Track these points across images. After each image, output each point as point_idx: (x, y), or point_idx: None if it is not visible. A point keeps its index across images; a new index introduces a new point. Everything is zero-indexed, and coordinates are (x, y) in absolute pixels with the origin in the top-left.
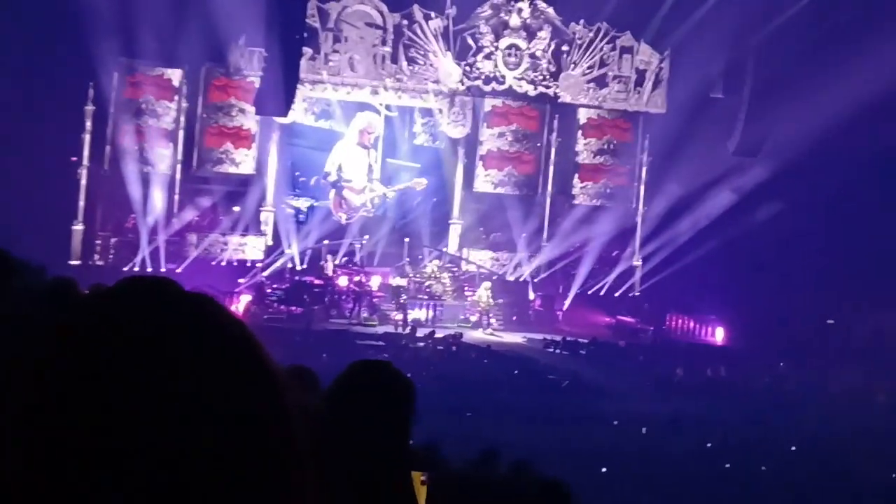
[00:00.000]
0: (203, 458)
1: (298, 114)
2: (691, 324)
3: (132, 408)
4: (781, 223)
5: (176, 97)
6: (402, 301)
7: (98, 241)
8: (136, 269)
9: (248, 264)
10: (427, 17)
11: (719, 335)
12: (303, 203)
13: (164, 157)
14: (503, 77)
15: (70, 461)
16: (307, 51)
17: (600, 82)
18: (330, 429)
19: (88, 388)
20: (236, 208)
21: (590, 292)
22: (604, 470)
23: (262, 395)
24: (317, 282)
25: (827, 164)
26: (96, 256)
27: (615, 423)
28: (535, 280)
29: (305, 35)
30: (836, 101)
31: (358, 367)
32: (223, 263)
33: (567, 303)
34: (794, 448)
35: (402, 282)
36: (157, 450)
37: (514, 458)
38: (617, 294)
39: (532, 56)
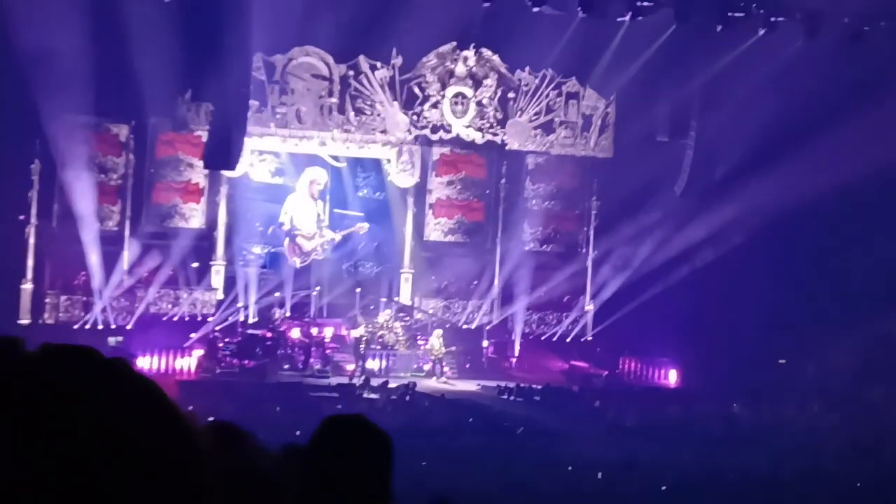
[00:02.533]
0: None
1: (255, 170)
2: (644, 367)
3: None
4: (731, 263)
5: (123, 153)
6: (361, 351)
7: (47, 300)
8: (87, 326)
9: (199, 319)
10: (373, 68)
11: (672, 377)
12: (260, 249)
13: (113, 214)
14: (450, 125)
15: None
16: (254, 103)
17: (547, 128)
18: (309, 485)
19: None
20: (195, 264)
21: (542, 338)
22: None
23: (173, 440)
24: (269, 335)
25: (777, 203)
26: (46, 315)
27: (569, 468)
28: (488, 327)
29: (252, 88)
30: (783, 139)
31: (334, 422)
32: (175, 319)
33: (518, 349)
34: (748, 490)
35: (362, 331)
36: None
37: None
38: (569, 339)
39: (479, 104)
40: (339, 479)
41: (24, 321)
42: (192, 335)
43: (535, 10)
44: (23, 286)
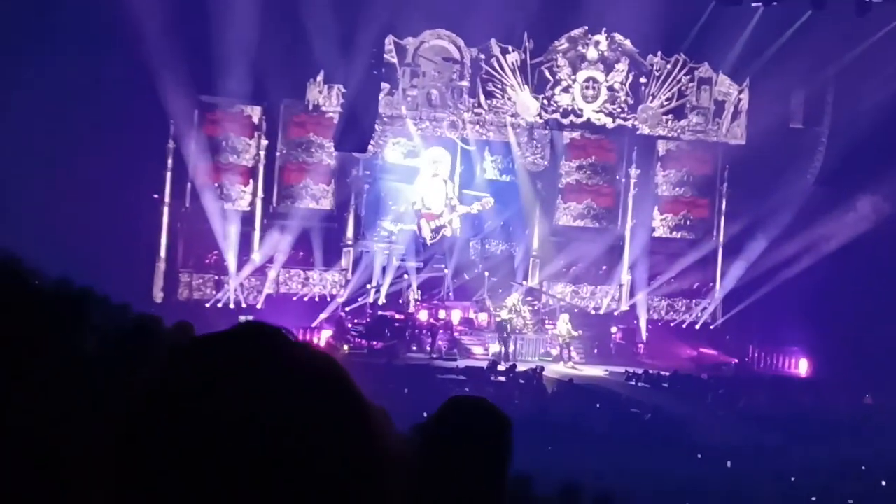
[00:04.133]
0: None
1: (388, 152)
2: (774, 355)
3: (233, 469)
4: (863, 251)
5: (255, 134)
6: (505, 334)
7: (180, 278)
8: (220, 305)
9: (329, 299)
10: (504, 52)
11: (803, 367)
12: (393, 228)
13: (244, 194)
14: (581, 110)
15: None
16: (385, 86)
17: (679, 114)
18: (428, 466)
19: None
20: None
21: (671, 324)
22: None
23: (366, 452)
24: (398, 316)
25: None
26: (179, 293)
27: (699, 455)
28: (616, 313)
29: (383, 70)
30: None
31: (456, 403)
32: (304, 298)
33: (647, 335)
34: (883, 482)
35: (506, 314)
36: None
37: (597, 493)
38: (698, 326)
39: (610, 88)
40: (456, 460)
41: (158, 299)
42: (322, 315)
43: None
44: (157, 265)
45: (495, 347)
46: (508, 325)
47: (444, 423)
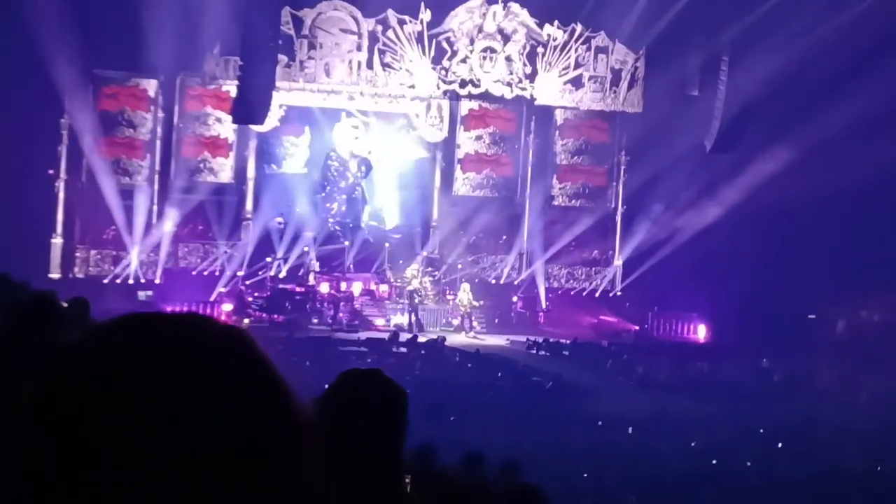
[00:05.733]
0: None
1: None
2: (673, 322)
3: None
4: (759, 219)
5: (152, 107)
6: (414, 305)
7: (77, 254)
8: (118, 280)
9: (228, 273)
10: (402, 23)
11: (701, 332)
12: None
13: (141, 168)
14: (479, 80)
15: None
16: (282, 58)
17: (576, 83)
18: (322, 438)
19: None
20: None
21: (572, 293)
22: (585, 475)
23: (288, 420)
24: (298, 289)
25: (805, 157)
26: (76, 269)
27: (599, 423)
28: (516, 282)
29: (280, 42)
30: (813, 92)
31: (349, 375)
32: (204, 273)
33: (547, 304)
34: (779, 444)
35: (416, 284)
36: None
37: (499, 462)
38: (598, 294)
39: (507, 59)
40: (350, 432)
41: (55, 275)
42: (221, 289)
43: None
44: (53, 241)
45: (397, 318)
46: (416, 296)
47: (337, 396)
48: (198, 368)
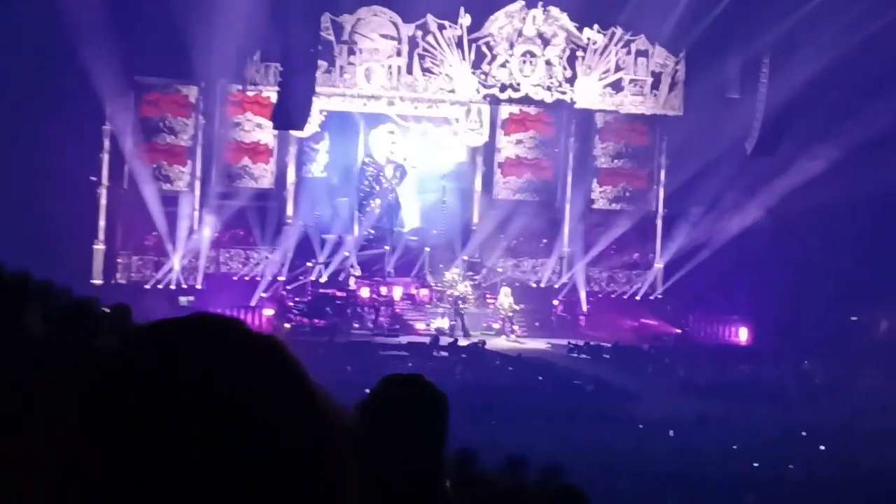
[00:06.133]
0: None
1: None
2: (715, 324)
3: (174, 455)
4: (801, 221)
5: (193, 114)
6: (460, 310)
7: (119, 260)
8: (160, 286)
9: (269, 278)
10: (441, 27)
11: (743, 335)
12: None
13: (182, 174)
14: (519, 84)
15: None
16: (322, 64)
17: (616, 86)
18: (365, 444)
19: (138, 427)
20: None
21: (612, 296)
22: (626, 478)
23: (319, 430)
24: (339, 294)
25: (849, 159)
26: (118, 275)
27: (640, 426)
28: (557, 286)
29: (320, 48)
30: (855, 95)
31: (390, 381)
32: (245, 278)
33: (588, 307)
34: (822, 447)
35: (462, 289)
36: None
37: (541, 465)
38: (639, 297)
39: (547, 62)
40: (391, 437)
41: (97, 281)
42: (263, 294)
43: None
44: (95, 247)
45: (438, 322)
46: (462, 301)
47: (378, 401)
48: (234, 370)
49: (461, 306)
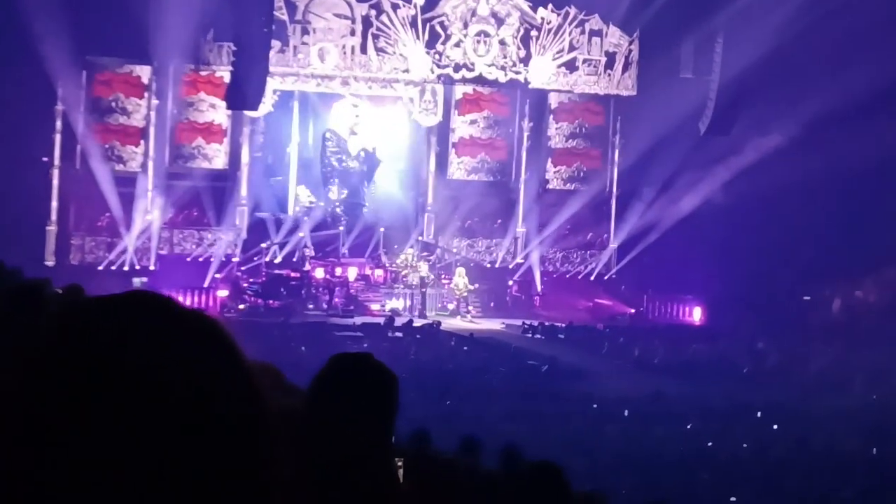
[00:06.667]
0: (186, 468)
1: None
2: (669, 304)
3: (108, 421)
4: (754, 201)
5: (146, 94)
6: (424, 291)
7: (72, 241)
8: (114, 267)
9: (223, 259)
10: (395, 7)
11: (697, 315)
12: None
13: (135, 155)
14: (473, 64)
15: (46, 472)
16: (276, 43)
17: (570, 66)
18: (313, 423)
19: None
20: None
21: (567, 276)
22: (580, 458)
23: (248, 408)
24: (293, 275)
25: (800, 138)
26: (71, 256)
27: (595, 405)
28: (511, 266)
29: (273, 28)
30: (808, 73)
31: (339, 360)
32: (199, 259)
33: (543, 288)
34: (775, 426)
35: (425, 271)
36: (139, 466)
37: (495, 446)
38: (593, 277)
39: (501, 42)
40: (340, 417)
41: (50, 263)
42: (217, 275)
43: None
44: (48, 228)
45: (393, 303)
46: (425, 283)
47: (327, 381)
48: (160, 346)
49: (421, 289)
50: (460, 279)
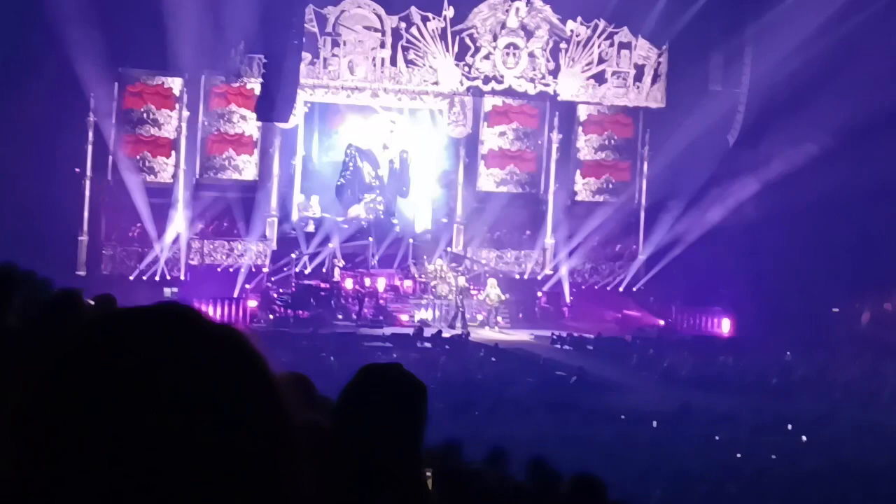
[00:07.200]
0: (209, 480)
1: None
2: (697, 316)
3: (129, 435)
4: (783, 213)
5: (177, 105)
6: (460, 303)
7: (103, 252)
8: (145, 277)
9: (254, 270)
10: (425, 19)
11: (725, 326)
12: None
13: (166, 166)
14: (502, 76)
15: (69, 481)
16: (306, 55)
17: (599, 78)
18: (342, 433)
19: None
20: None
21: (596, 287)
22: (608, 470)
23: (273, 426)
24: (322, 285)
25: (831, 150)
26: (102, 266)
27: (623, 417)
28: (540, 277)
29: (304, 40)
30: (842, 88)
31: (369, 370)
32: (230, 269)
33: (572, 299)
34: (804, 438)
35: (464, 282)
36: (162, 477)
37: (523, 457)
38: (622, 288)
39: (530, 55)
40: (369, 427)
41: (82, 273)
42: (247, 286)
43: None
44: (80, 238)
45: (422, 314)
46: (463, 295)
47: (357, 390)
48: (186, 360)
49: (460, 300)
50: (492, 290)
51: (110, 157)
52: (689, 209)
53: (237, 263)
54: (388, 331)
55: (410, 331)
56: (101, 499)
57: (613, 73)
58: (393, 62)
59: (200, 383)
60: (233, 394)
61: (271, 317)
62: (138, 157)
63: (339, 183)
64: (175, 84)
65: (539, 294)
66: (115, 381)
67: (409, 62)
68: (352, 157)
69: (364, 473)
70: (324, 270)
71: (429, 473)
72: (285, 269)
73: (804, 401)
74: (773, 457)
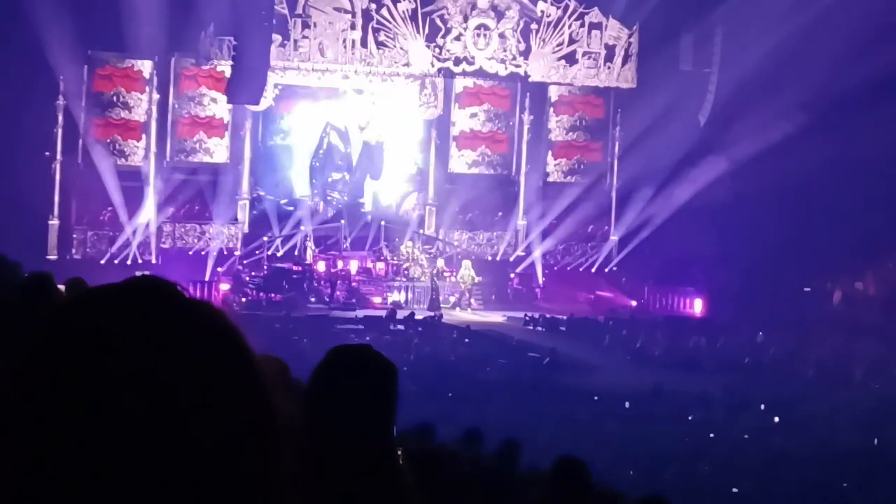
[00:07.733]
0: (191, 465)
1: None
2: (670, 296)
3: (106, 418)
4: (755, 193)
5: (147, 88)
6: (436, 284)
7: (74, 235)
8: (116, 261)
9: (225, 253)
10: (395, 1)
11: (698, 307)
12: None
13: (137, 149)
14: (473, 57)
15: (47, 466)
16: (276, 37)
17: (570, 59)
18: (313, 415)
19: (74, 388)
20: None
21: (568, 268)
22: (582, 450)
23: (256, 409)
24: (295, 268)
25: (799, 132)
26: (73, 250)
27: (595, 397)
28: (512, 259)
29: (274, 22)
30: (807, 66)
31: (338, 352)
32: (201, 253)
33: (544, 280)
34: (776, 418)
35: (441, 265)
36: (139, 461)
37: (496, 437)
38: (594, 269)
39: (501, 36)
40: (339, 408)
41: (52, 257)
42: (219, 269)
43: None
44: (50, 222)
45: (394, 296)
46: (438, 278)
47: (327, 372)
48: (168, 335)
49: (437, 281)
50: (466, 271)
51: (80, 141)
52: (661, 190)
53: (209, 247)
54: (360, 313)
55: (383, 313)
56: (80, 485)
57: (584, 54)
58: (363, 44)
59: (179, 362)
60: (212, 373)
61: (244, 300)
62: (109, 141)
63: (314, 164)
64: (145, 67)
65: (512, 275)
66: (85, 363)
67: (379, 44)
68: (326, 134)
69: (336, 454)
70: (296, 253)
71: (399, 451)
72: (257, 252)
73: (777, 380)
74: (746, 436)
